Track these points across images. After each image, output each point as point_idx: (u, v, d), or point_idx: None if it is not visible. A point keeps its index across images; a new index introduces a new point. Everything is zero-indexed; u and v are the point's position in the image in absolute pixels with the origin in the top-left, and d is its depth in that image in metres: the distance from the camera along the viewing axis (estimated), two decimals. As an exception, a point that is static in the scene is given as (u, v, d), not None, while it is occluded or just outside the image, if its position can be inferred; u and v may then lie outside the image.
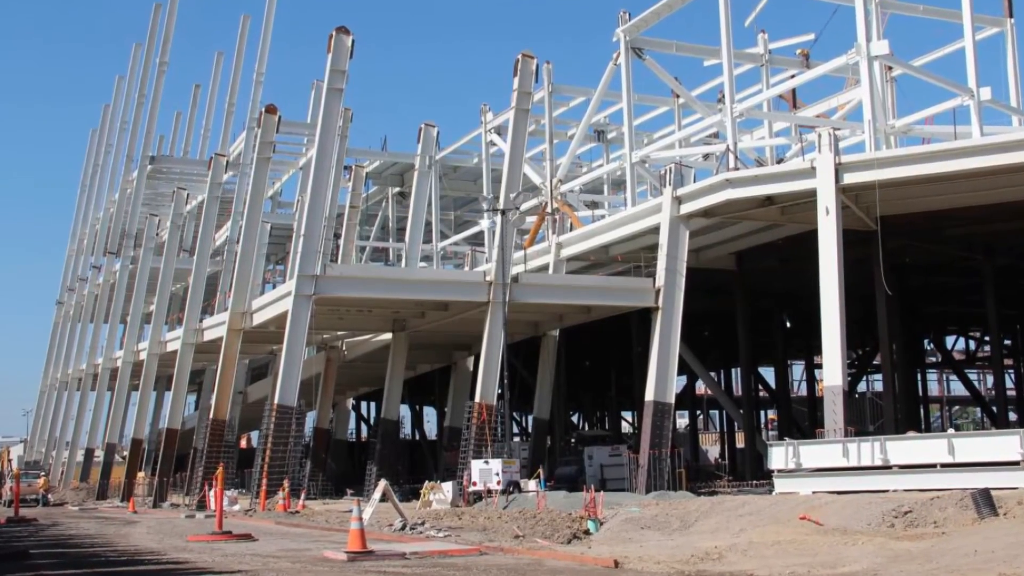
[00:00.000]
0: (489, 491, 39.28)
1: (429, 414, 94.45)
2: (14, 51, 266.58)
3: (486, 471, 40.30)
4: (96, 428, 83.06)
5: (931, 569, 16.03)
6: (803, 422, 67.57)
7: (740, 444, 71.69)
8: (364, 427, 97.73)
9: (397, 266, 67.58)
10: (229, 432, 55.52)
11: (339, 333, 59.51)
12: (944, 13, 48.08)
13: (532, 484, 40.01)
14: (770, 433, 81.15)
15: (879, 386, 71.48)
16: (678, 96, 57.99)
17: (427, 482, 44.04)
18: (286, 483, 42.97)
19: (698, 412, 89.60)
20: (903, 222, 41.47)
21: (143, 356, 69.71)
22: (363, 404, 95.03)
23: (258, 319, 51.21)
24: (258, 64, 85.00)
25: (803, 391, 78.46)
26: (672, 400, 43.19)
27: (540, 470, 42.19)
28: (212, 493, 42.07)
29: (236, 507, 44.07)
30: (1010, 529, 19.34)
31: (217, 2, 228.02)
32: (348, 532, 21.67)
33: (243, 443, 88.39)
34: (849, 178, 38.11)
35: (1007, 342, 64.72)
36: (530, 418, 69.56)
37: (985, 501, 21.44)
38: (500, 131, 60.67)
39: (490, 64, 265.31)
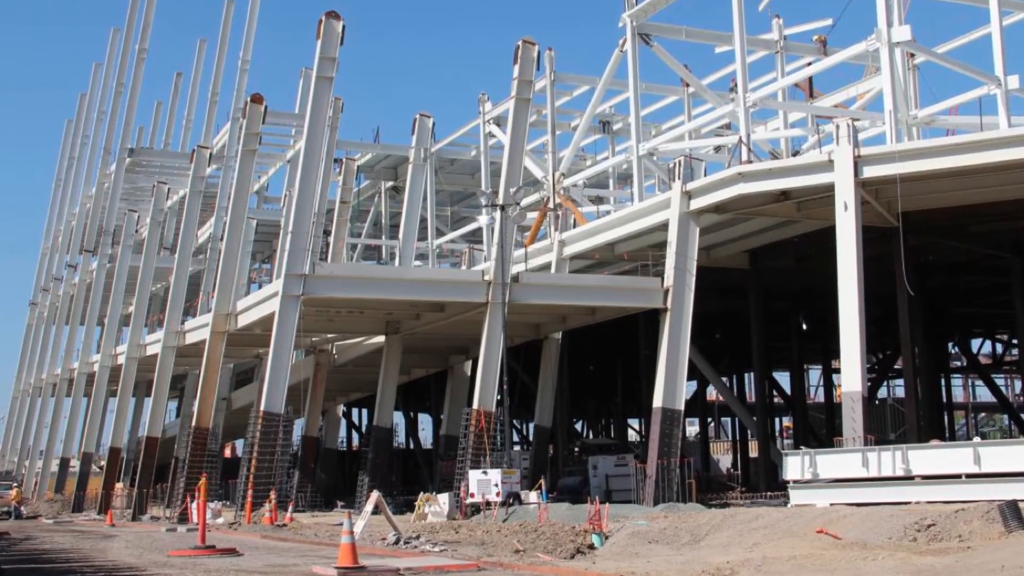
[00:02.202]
0: (488, 503, 39.31)
1: (424, 422, 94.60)
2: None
3: (484, 482, 40.31)
4: (72, 436, 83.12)
5: (956, 586, 16.04)
6: (820, 430, 67.63)
7: (753, 453, 71.79)
8: (355, 435, 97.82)
9: (390, 265, 67.62)
10: (212, 441, 55.53)
11: (329, 336, 59.51)
12: (970, -3, 48.08)
13: (533, 496, 40.03)
14: (785, 442, 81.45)
15: (900, 392, 71.45)
16: (688, 85, 58.07)
17: (422, 493, 44.06)
18: (273, 495, 42.96)
19: (709, 419, 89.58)
20: (926, 218, 41.50)
21: (121, 360, 69.74)
22: (354, 411, 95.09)
23: (243, 321, 51.23)
24: (243, 51, 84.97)
25: (820, 397, 78.54)
26: (681, 407, 43.23)
27: (542, 481, 42.21)
28: (195, 505, 42.06)
29: (220, 520, 44.08)
30: (1039, 543, 19.34)
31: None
32: (338, 546, 21.68)
33: (227, 452, 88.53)
34: (869, 172, 38.14)
35: (1036, 345, 64.72)
36: (531, 426, 69.57)
37: (1013, 514, 21.43)
38: (499, 122, 60.71)
39: (489, 51, 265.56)
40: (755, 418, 60.80)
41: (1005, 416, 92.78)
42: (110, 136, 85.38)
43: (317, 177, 49.68)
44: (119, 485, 70.35)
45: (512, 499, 39.20)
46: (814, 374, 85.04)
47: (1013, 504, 22.00)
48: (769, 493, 46.04)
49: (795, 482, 33.30)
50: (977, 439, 38.27)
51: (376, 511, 33.18)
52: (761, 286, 52.37)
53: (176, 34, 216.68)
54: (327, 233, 62.67)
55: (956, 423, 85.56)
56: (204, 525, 29.04)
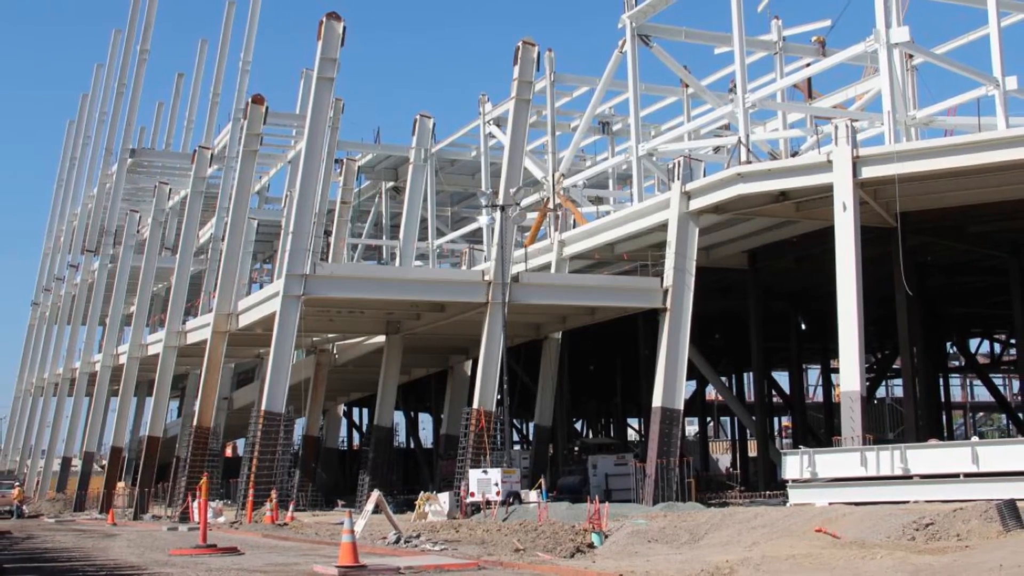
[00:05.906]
0: (488, 502, 39.31)
1: (424, 421, 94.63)
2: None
3: (485, 481, 40.31)
4: (73, 436, 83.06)
5: (954, 584, 16.04)
6: (819, 430, 67.65)
7: (752, 453, 71.81)
8: (356, 435, 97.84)
9: (391, 265, 67.60)
10: (214, 440, 55.54)
11: (330, 336, 59.51)
12: (968, -2, 48.07)
13: (533, 495, 40.02)
14: (784, 441, 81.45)
15: (899, 392, 71.54)
16: (687, 85, 58.05)
17: (422, 493, 44.07)
18: (274, 494, 43.00)
19: (708, 419, 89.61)
20: (924, 218, 41.50)
21: (123, 360, 69.71)
22: (355, 411, 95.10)
23: (244, 321, 51.22)
24: (244, 52, 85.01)
25: (819, 397, 78.57)
26: (681, 406, 43.23)
27: (542, 480, 42.21)
28: (196, 504, 42.07)
29: (221, 519, 44.08)
30: (1037, 542, 19.33)
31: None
32: (339, 545, 21.68)
33: (228, 452, 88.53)
34: (867, 172, 38.14)
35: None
36: (531, 425, 69.55)
37: (1011, 513, 21.42)
38: (499, 122, 60.71)
39: (489, 52, 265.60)
40: (754, 418, 60.80)
41: (1003, 415, 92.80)
42: (111, 136, 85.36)
43: (318, 178, 49.69)
44: (121, 484, 70.30)
45: (512, 498, 39.21)
46: (813, 374, 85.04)
47: (1011, 503, 22.00)
48: (768, 492, 46.05)
49: (794, 481, 33.31)
50: (975, 438, 38.24)
51: (377, 510, 33.19)
52: (760, 286, 52.37)
53: (178, 35, 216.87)
54: (328, 233, 62.67)
55: (954, 423, 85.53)
56: (205, 524, 29.04)
